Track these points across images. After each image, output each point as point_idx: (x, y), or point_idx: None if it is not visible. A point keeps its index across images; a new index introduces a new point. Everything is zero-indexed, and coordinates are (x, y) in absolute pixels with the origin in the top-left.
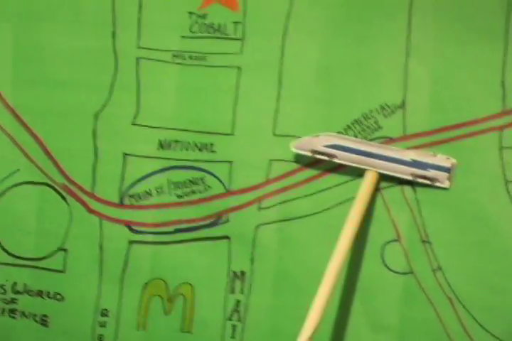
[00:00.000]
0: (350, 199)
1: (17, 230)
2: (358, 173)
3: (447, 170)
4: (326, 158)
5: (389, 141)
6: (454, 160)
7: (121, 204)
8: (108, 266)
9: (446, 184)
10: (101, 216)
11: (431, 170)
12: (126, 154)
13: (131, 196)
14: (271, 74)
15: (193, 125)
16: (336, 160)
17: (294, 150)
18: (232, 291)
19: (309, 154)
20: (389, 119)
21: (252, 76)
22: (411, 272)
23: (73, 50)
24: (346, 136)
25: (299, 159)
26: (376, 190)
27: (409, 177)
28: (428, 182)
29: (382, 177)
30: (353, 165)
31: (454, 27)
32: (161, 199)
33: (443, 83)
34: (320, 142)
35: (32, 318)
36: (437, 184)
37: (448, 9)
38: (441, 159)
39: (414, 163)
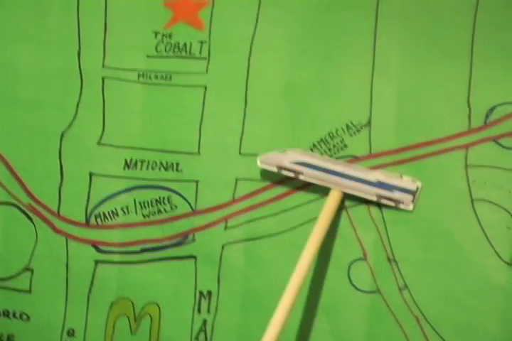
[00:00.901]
0: (317, 218)
1: None
2: (325, 192)
3: (412, 192)
4: (291, 174)
5: (354, 159)
6: (419, 183)
7: (87, 224)
8: (74, 285)
9: (410, 207)
10: (67, 236)
11: (396, 192)
12: (92, 174)
13: (98, 216)
14: (237, 93)
15: (159, 144)
16: (301, 177)
17: (260, 165)
18: (199, 311)
19: (275, 170)
20: (354, 138)
21: (217, 95)
22: (377, 291)
23: (39, 70)
24: (313, 153)
25: (265, 178)
26: (342, 208)
27: (374, 198)
28: (392, 203)
29: (348, 196)
30: (318, 183)
31: (419, 45)
32: (127, 219)
33: (409, 101)
34: (287, 158)
35: None
36: (401, 206)
37: (413, 27)
38: (407, 182)
39: (380, 184)
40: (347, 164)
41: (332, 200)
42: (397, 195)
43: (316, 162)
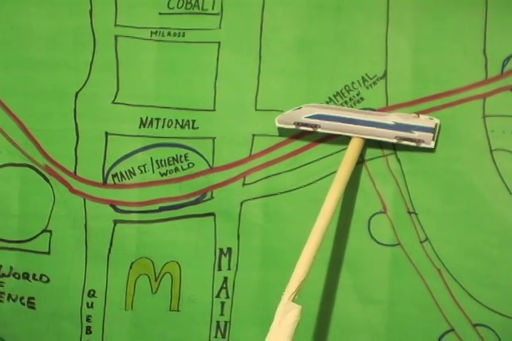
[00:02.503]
0: (335, 173)
1: (0, 213)
2: (342, 145)
3: (431, 130)
4: (309, 129)
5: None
6: (437, 120)
7: (104, 184)
8: (93, 246)
9: (431, 144)
10: (84, 196)
11: (415, 132)
12: (107, 133)
13: (115, 175)
14: (251, 49)
15: (174, 102)
16: (319, 130)
17: (279, 125)
18: (220, 268)
19: (293, 127)
20: (371, 91)
21: (231, 51)
22: (398, 244)
23: (50, 31)
24: (329, 105)
25: (281, 133)
26: (361, 162)
27: (394, 140)
28: (413, 143)
29: (367, 146)
30: (337, 133)
31: None
32: (145, 178)
33: (424, 53)
34: (302, 113)
35: (19, 301)
36: (422, 145)
37: None
38: (425, 120)
39: (398, 126)
40: (363, 111)
41: (353, 148)
42: (416, 134)
43: (332, 113)
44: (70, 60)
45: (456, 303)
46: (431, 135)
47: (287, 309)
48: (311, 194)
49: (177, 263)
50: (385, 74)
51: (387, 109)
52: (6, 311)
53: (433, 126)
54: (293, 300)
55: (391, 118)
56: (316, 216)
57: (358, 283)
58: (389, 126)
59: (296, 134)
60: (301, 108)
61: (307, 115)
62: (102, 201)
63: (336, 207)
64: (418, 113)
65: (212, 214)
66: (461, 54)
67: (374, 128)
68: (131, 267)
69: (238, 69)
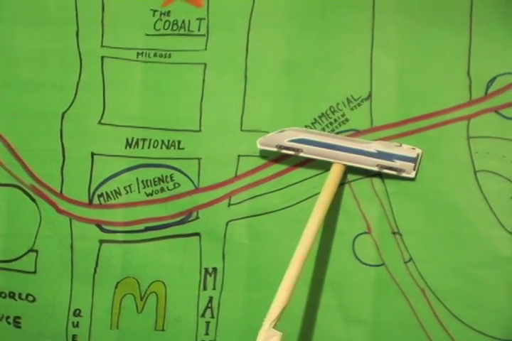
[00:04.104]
0: (318, 194)
1: None
2: (326, 167)
3: (413, 160)
4: (291, 152)
5: (356, 133)
6: (419, 150)
7: (90, 204)
8: (79, 265)
9: (412, 174)
10: (71, 216)
11: (397, 161)
12: (93, 153)
13: (100, 195)
14: (237, 70)
15: (160, 122)
16: (301, 154)
17: (260, 147)
18: (205, 288)
19: (275, 149)
20: (356, 112)
21: (217, 72)
22: (383, 264)
23: (38, 51)
24: (311, 130)
25: (266, 154)
26: (345, 182)
27: (376, 169)
28: (394, 172)
29: (349, 170)
30: (319, 158)
31: (418, 16)
32: (130, 198)
33: (409, 74)
34: (285, 137)
35: (5, 320)
36: (403, 174)
37: (411, 0)
38: (407, 149)
39: (380, 154)
40: (346, 138)
41: (334, 174)
42: (398, 163)
43: (315, 138)
44: (57, 81)
45: (440, 323)
46: (412, 165)
47: (268, 335)
48: (296, 214)
49: (162, 282)
50: (369, 96)
51: (372, 130)
52: None
53: (415, 155)
54: (274, 327)
55: (374, 146)
56: (301, 236)
57: (342, 303)
58: (371, 154)
59: (280, 156)
60: (284, 131)
61: (290, 138)
62: (88, 221)
63: (316, 233)
64: (403, 135)
65: (197, 234)
66: (446, 75)
67: (356, 156)
68: (116, 287)
69: (224, 90)
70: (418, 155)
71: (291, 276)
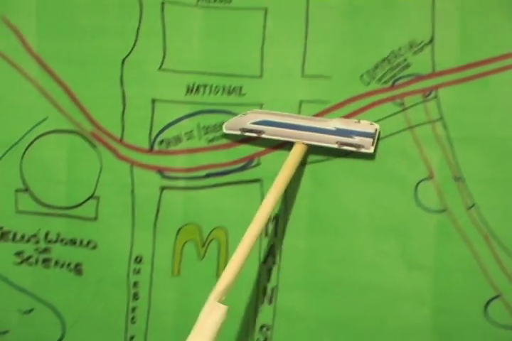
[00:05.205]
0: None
1: (48, 179)
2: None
3: (371, 135)
4: (254, 134)
5: (417, 78)
6: (377, 126)
7: (151, 150)
8: (140, 212)
9: (371, 149)
10: (131, 162)
11: (355, 137)
12: (154, 100)
13: (161, 141)
14: (298, 14)
15: (221, 68)
16: (263, 136)
17: (226, 132)
18: (266, 234)
19: (239, 133)
20: (418, 56)
21: (278, 16)
22: (445, 210)
23: None
24: (274, 112)
25: (330, 98)
26: (408, 128)
27: (335, 145)
28: (353, 148)
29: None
30: (281, 138)
31: None
32: (192, 144)
33: (472, 17)
34: (248, 119)
35: (66, 267)
36: (362, 150)
37: None
38: (365, 125)
39: (339, 131)
40: (306, 117)
41: (295, 153)
42: (356, 139)
43: (277, 118)
44: (117, 27)
45: (503, 269)
46: (370, 140)
47: (212, 308)
48: (356, 161)
49: (224, 229)
50: (432, 40)
51: (434, 75)
52: (53, 277)
53: (373, 131)
54: (219, 300)
55: (332, 123)
56: (364, 181)
57: (404, 249)
58: (330, 132)
59: None
60: (247, 114)
61: (252, 121)
62: (149, 167)
63: (271, 213)
64: (465, 80)
65: (258, 180)
66: (510, 17)
67: (316, 134)
68: (177, 233)
69: (285, 35)
70: (376, 130)
71: (241, 252)
